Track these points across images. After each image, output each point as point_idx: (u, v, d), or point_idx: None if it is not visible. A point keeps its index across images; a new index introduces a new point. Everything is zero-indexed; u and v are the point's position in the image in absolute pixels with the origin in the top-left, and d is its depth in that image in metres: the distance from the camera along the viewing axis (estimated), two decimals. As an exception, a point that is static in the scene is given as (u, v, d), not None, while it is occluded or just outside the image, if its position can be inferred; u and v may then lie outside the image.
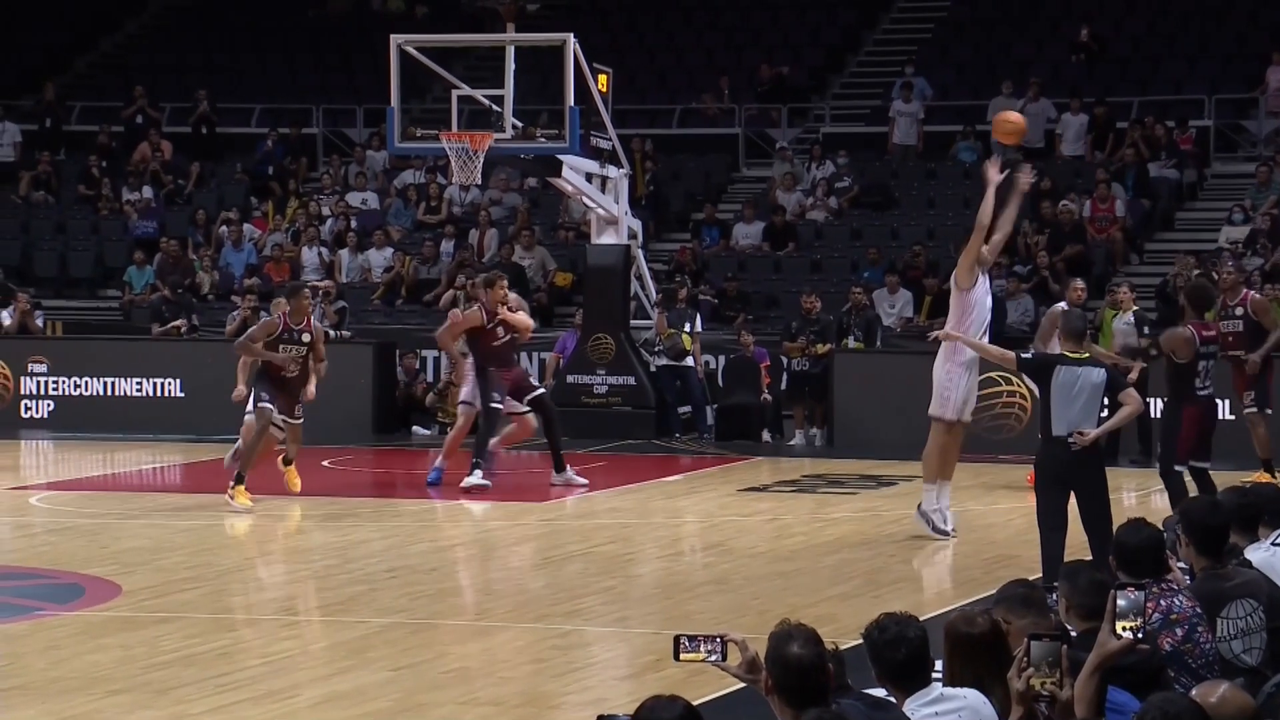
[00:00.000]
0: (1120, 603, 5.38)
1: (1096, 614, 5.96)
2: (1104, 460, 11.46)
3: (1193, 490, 12.66)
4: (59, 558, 13.19)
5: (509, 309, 16.38)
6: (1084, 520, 11.11)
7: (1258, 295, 16.42)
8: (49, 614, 11.23)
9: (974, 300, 13.11)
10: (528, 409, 16.45)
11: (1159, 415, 14.34)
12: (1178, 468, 13.16)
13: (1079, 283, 17.56)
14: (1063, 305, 16.24)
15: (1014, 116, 15.73)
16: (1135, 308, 17.67)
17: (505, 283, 16.70)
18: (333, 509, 15.02)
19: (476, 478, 16.15)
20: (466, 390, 16.64)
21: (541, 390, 17.02)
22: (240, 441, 15.35)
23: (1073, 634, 5.98)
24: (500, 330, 16.17)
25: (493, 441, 16.39)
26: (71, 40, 30.71)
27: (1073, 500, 11.19)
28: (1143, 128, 24.92)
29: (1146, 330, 17.01)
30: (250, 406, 15.26)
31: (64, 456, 19.79)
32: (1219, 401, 14.04)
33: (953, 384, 13.22)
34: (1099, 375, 11.11)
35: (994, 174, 13.07)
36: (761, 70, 27.74)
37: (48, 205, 27.12)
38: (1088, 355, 11.48)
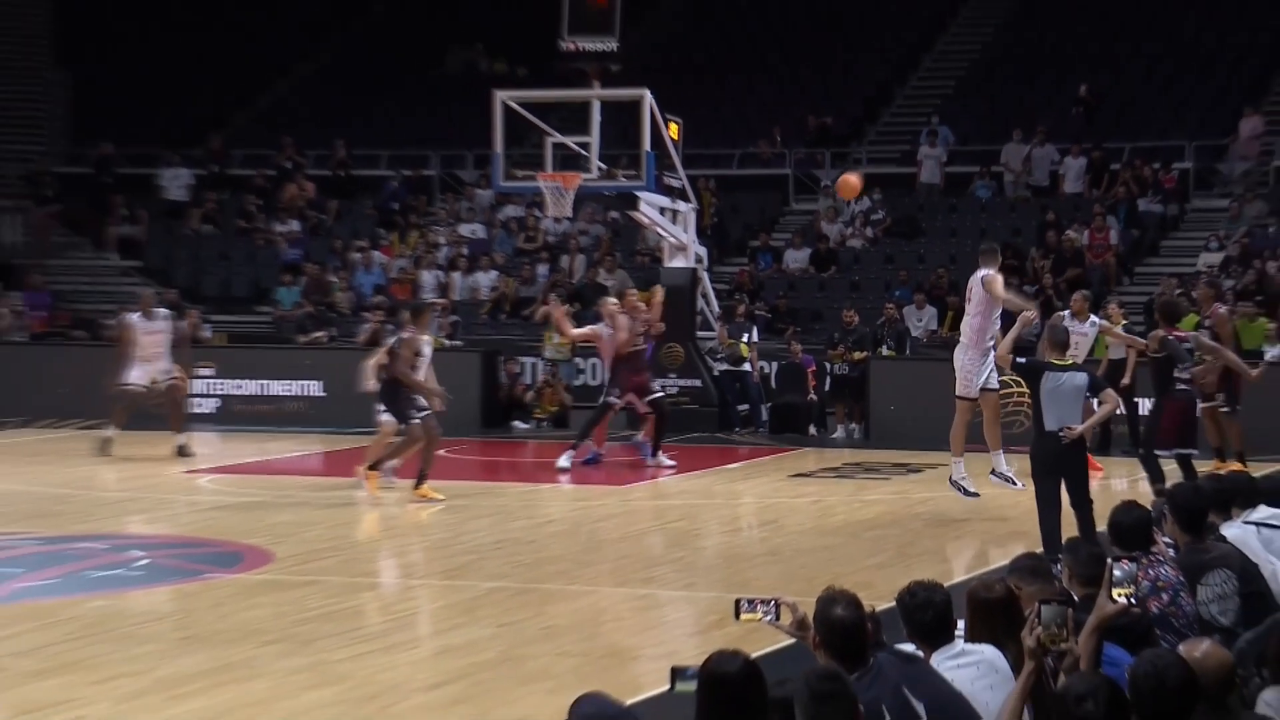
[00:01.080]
0: (1116, 573, 5.34)
1: (1095, 582, 5.92)
2: (1086, 451, 11.39)
3: (1176, 475, 12.52)
4: (223, 530, 13.29)
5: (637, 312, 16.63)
6: (1071, 501, 11.03)
7: (1222, 310, 16.16)
8: (215, 576, 11.31)
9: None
10: (649, 409, 16.76)
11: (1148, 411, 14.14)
12: (1159, 453, 13.00)
13: (1078, 295, 17.37)
14: (1063, 314, 16.10)
15: (852, 180, 16.02)
16: (1124, 321, 17.44)
17: (633, 292, 17.12)
18: (447, 491, 15.07)
19: (565, 459, 16.21)
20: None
21: (660, 393, 17.15)
22: (394, 442, 15.05)
23: (1075, 599, 5.93)
24: (640, 340, 16.68)
25: (594, 432, 16.58)
26: (233, 99, 30.99)
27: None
28: (1133, 169, 24.69)
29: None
30: (385, 410, 14.98)
31: (226, 446, 19.94)
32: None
33: (974, 368, 13.14)
34: (1081, 379, 11.03)
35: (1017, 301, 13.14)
36: (809, 120, 27.66)
37: (213, 237, 27.36)
38: (1071, 361, 11.40)
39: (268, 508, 14.52)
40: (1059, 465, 10.97)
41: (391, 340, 14.95)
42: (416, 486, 14.38)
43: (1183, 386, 13.08)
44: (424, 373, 14.76)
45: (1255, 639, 6.26)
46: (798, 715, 4.46)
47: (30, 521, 13.60)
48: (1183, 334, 13.39)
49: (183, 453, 17.48)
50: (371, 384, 15.23)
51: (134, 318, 17.86)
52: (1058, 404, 10.89)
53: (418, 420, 14.49)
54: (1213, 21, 27.78)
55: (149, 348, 17.67)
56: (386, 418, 14.99)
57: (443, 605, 10.86)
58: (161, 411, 17.88)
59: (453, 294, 24.24)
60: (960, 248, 24.54)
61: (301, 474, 17.54)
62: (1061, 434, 10.86)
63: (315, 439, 19.59)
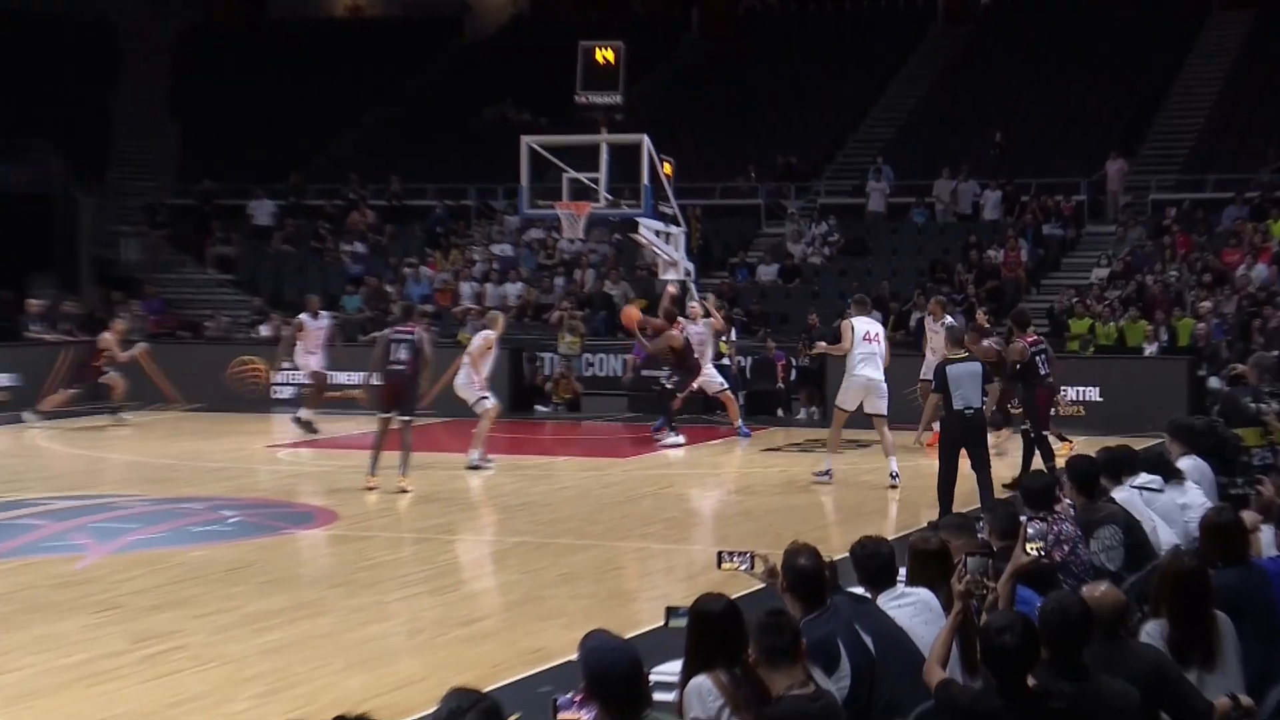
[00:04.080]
0: (1029, 530, 5.31)
1: (1011, 536, 5.89)
2: (986, 427, 11.41)
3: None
4: (297, 493, 13.25)
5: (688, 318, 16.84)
6: (973, 465, 11.09)
7: (986, 343, 15.75)
8: (291, 532, 11.27)
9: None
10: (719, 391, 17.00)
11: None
12: (1045, 433, 12.97)
13: (934, 301, 17.33)
14: (948, 320, 15.77)
15: (631, 311, 16.40)
16: (946, 318, 17.17)
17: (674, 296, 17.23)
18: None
19: (671, 437, 16.40)
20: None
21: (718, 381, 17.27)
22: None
23: (995, 550, 5.90)
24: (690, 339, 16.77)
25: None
26: (310, 143, 30.92)
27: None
28: (1039, 200, 24.63)
29: (995, 340, 16.53)
30: (486, 395, 14.87)
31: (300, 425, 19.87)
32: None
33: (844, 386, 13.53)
34: (977, 367, 11.16)
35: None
36: (778, 159, 27.59)
37: (292, 255, 27.27)
38: (966, 354, 11.41)
39: (333, 476, 14.50)
40: (962, 438, 11.02)
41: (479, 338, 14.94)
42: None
43: (1050, 378, 13.14)
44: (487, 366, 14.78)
45: (1137, 581, 6.24)
46: (752, 644, 4.43)
47: (144, 486, 13.56)
48: (1033, 338, 13.44)
49: (309, 428, 17.33)
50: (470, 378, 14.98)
51: (305, 317, 17.82)
52: (960, 387, 10.97)
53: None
54: (1097, 83, 27.88)
55: (314, 341, 17.74)
56: (491, 402, 14.84)
57: (476, 556, 10.84)
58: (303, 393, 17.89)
59: (486, 301, 24.17)
60: (900, 263, 24.48)
61: (360, 449, 17.48)
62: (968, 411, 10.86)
63: (371, 420, 19.45)
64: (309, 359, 17.57)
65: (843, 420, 13.55)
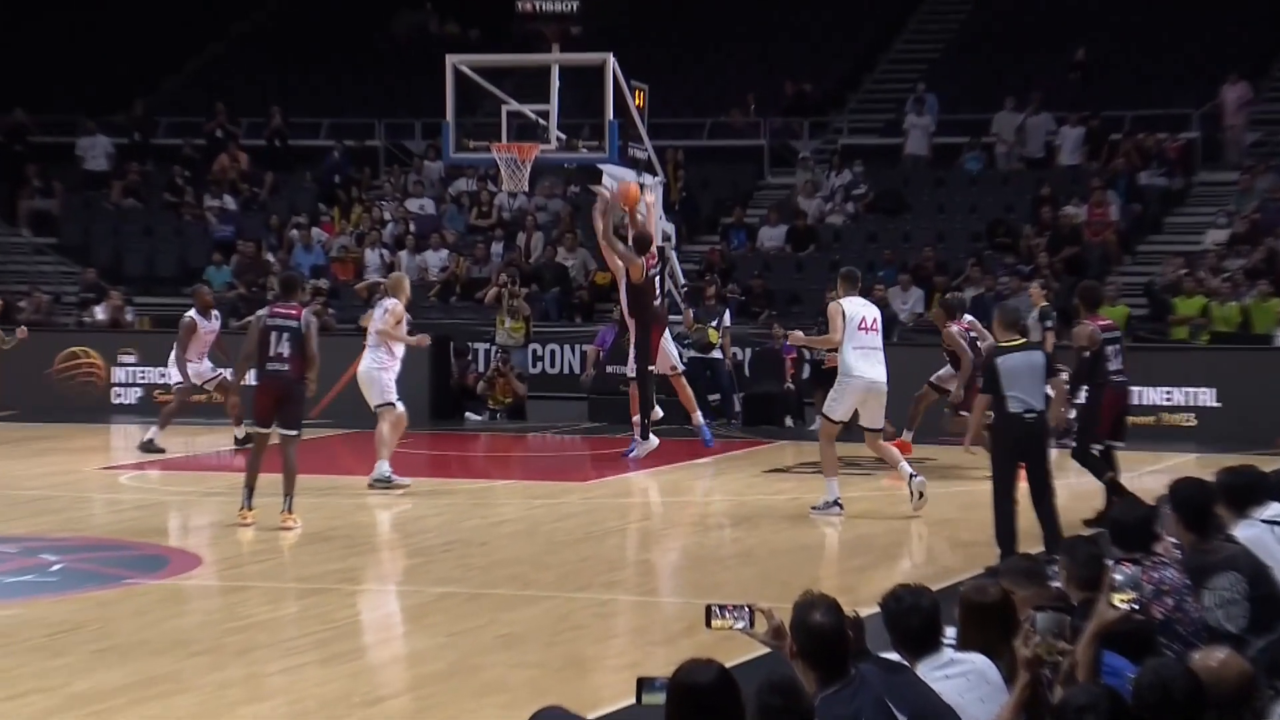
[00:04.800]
0: (1117, 576, 5.35)
1: (1094, 585, 5.92)
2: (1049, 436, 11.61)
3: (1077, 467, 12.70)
4: (146, 531, 13.21)
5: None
6: (1033, 491, 11.26)
7: (954, 329, 15.85)
8: (137, 582, 11.24)
9: None
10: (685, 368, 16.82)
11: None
12: (1095, 448, 13.02)
13: (1037, 284, 17.43)
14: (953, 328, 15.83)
15: (631, 188, 16.23)
16: (1044, 304, 17.36)
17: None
18: (393, 488, 15.00)
19: (641, 445, 16.37)
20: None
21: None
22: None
23: (1073, 604, 5.93)
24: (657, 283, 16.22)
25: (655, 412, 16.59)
26: (159, 62, 30.79)
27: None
28: (1134, 139, 24.76)
29: (1049, 324, 16.72)
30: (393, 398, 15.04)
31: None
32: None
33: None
34: (1038, 357, 11.36)
35: None
36: (785, 87, 27.64)
37: (137, 211, 27.18)
38: (1023, 340, 11.54)
39: (194, 507, 14.43)
40: (1021, 450, 11.08)
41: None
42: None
43: (1119, 377, 13.15)
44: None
45: (1268, 647, 6.27)
46: None
47: (-65, 522, 13.48)
48: (1106, 322, 13.43)
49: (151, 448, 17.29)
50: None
51: (195, 315, 17.56)
52: (1016, 382, 11.02)
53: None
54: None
55: (202, 346, 17.59)
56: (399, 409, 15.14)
57: (387, 613, 10.82)
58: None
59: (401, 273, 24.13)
60: (949, 224, 24.60)
61: (232, 470, 17.44)
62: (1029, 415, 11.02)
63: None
64: (196, 367, 17.46)
65: (833, 435, 13.54)
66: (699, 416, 16.85)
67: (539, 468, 17.61)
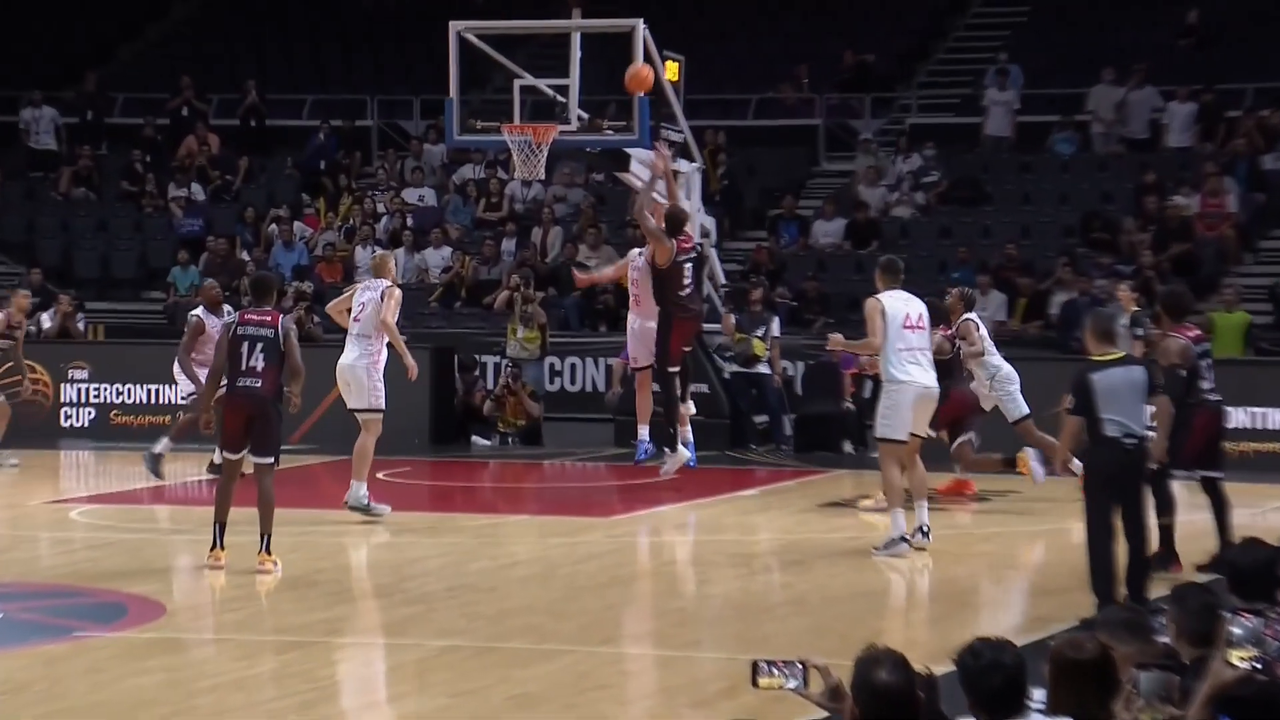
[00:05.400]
0: (1235, 630, 5.34)
1: (1208, 641, 5.91)
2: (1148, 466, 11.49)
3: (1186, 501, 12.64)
4: (100, 575, 13.25)
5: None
6: (1126, 530, 11.20)
7: (972, 317, 15.93)
8: (90, 635, 11.28)
9: None
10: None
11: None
12: (1179, 474, 12.97)
13: (1124, 286, 17.34)
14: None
15: (642, 72, 16.11)
16: (1135, 309, 17.35)
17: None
18: (388, 524, 15.05)
19: (670, 459, 16.51)
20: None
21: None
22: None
23: (1183, 662, 5.92)
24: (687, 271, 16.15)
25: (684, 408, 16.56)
26: (115, 28, 30.97)
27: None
28: (1257, 117, 24.73)
29: (1141, 332, 16.68)
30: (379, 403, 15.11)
31: (105, 468, 19.91)
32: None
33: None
34: (1138, 374, 11.20)
35: None
36: (844, 57, 27.69)
37: (89, 202, 27.35)
38: (1120, 354, 11.42)
39: (158, 547, 14.47)
40: (1120, 483, 11.05)
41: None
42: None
43: (1212, 397, 13.10)
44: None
45: None
46: None
47: None
48: (1196, 334, 13.37)
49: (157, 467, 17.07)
50: None
51: (202, 313, 17.29)
52: (1114, 403, 10.97)
53: None
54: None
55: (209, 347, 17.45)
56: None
57: (380, 670, 10.85)
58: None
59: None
60: (1034, 217, 24.59)
61: (202, 504, 17.50)
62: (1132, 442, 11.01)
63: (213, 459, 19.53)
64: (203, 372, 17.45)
65: (899, 458, 13.54)
66: (645, 431, 16.70)
67: (556, 501, 17.61)
